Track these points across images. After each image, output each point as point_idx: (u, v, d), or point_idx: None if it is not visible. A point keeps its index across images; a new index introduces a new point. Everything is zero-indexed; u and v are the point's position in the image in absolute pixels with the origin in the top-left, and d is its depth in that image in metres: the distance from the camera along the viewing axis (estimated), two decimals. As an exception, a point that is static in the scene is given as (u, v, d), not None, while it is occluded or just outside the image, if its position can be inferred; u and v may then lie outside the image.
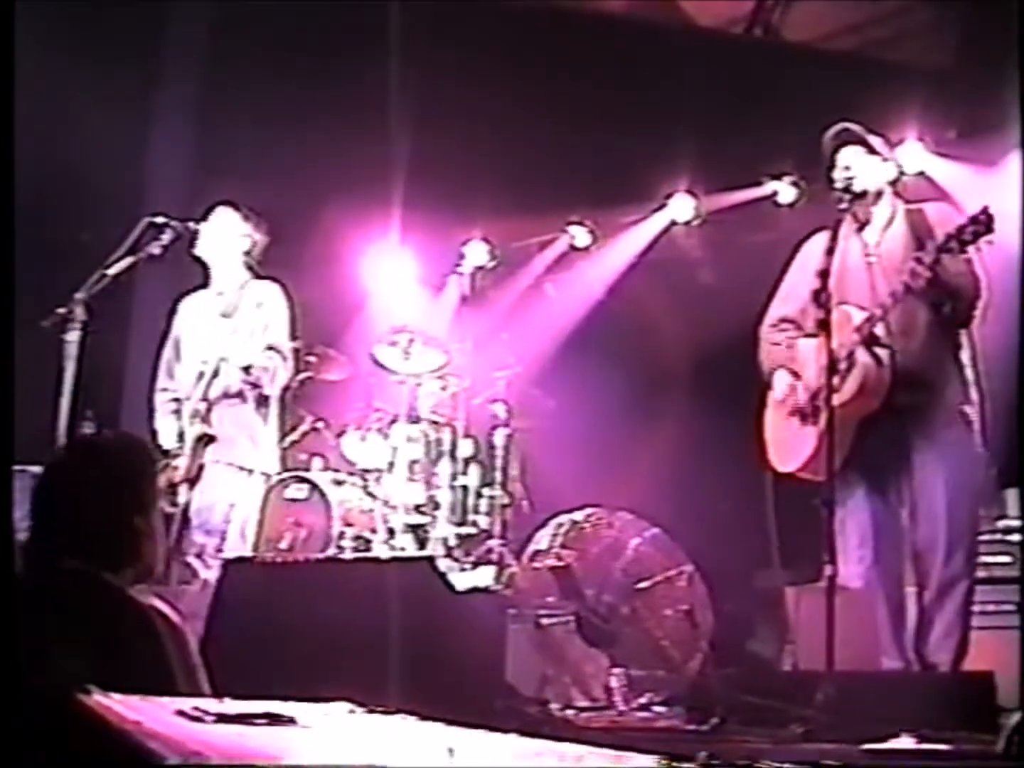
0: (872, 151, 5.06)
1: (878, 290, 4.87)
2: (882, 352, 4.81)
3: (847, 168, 4.91)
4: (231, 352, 5.78)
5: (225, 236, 6.08)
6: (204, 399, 5.76)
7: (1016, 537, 5.91)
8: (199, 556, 5.70)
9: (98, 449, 2.96)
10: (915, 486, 4.85)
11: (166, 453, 5.71)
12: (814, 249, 5.09)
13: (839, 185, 4.86)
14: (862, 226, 5.04)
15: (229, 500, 5.85)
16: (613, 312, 8.58)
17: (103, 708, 2.10)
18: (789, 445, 5.06)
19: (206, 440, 5.70)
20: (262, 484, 6.07)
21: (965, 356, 4.94)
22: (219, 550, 5.71)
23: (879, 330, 4.81)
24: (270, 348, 5.89)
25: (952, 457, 4.86)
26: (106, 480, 2.86)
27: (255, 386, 5.82)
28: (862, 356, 4.79)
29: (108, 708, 2.09)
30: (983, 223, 4.54)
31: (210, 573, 5.58)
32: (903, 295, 4.71)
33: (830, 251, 4.56)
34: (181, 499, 5.61)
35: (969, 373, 4.93)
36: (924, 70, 7.81)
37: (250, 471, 5.93)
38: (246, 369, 5.76)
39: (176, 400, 5.95)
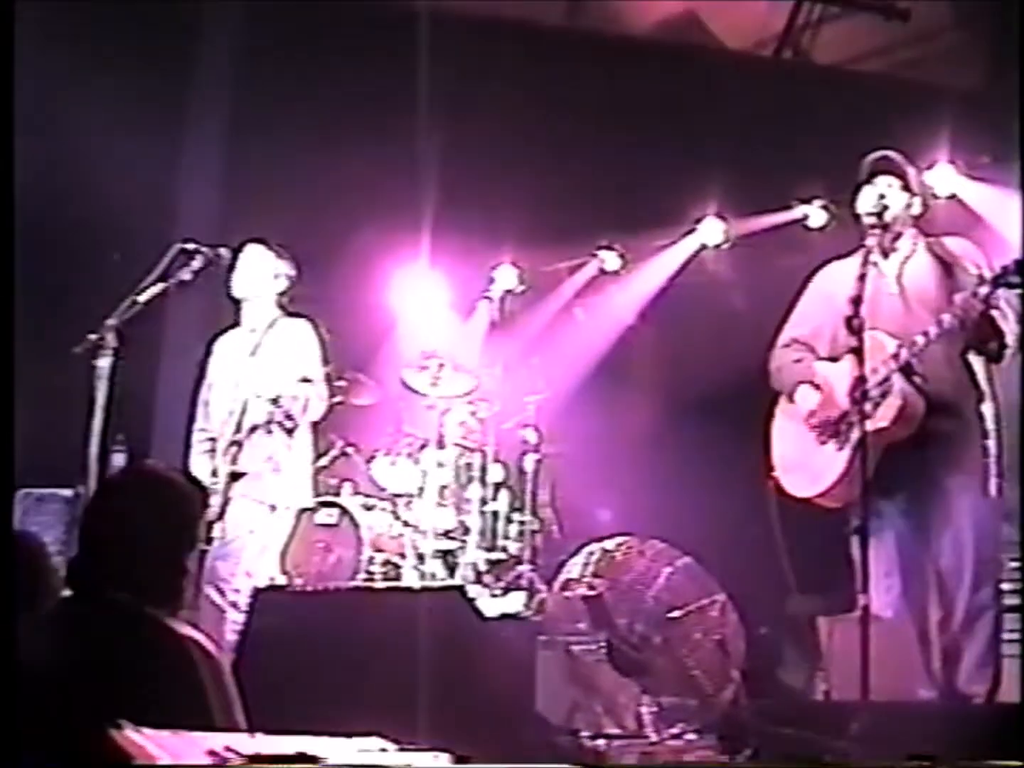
0: (906, 184, 5.04)
1: (909, 319, 4.85)
2: (918, 380, 4.79)
3: (881, 197, 4.89)
4: (260, 387, 5.77)
5: (259, 275, 6.06)
6: (235, 437, 5.75)
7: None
8: (212, 583, 5.68)
9: (162, 487, 2.94)
10: (941, 513, 4.81)
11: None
12: (832, 275, 5.12)
13: (872, 212, 4.86)
14: (885, 255, 5.02)
15: (248, 529, 5.81)
16: (643, 336, 8.57)
17: (133, 745, 2.09)
18: (812, 470, 5.02)
19: (234, 476, 5.70)
20: (288, 518, 6.02)
21: (986, 386, 4.92)
22: (232, 575, 5.68)
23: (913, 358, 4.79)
24: (303, 380, 5.87)
25: (978, 484, 4.83)
26: (169, 518, 2.87)
27: (288, 416, 5.80)
28: (899, 383, 4.76)
29: (137, 745, 2.09)
30: None
31: (223, 601, 5.58)
32: (949, 326, 4.68)
33: (862, 277, 4.53)
34: (215, 535, 5.61)
35: (990, 403, 4.91)
36: (955, 92, 7.78)
37: (273, 506, 5.89)
38: (275, 400, 5.74)
39: (211, 440, 5.96)
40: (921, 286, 4.95)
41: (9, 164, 3.73)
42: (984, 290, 4.61)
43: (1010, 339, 4.78)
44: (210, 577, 5.67)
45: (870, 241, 4.84)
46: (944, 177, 7.32)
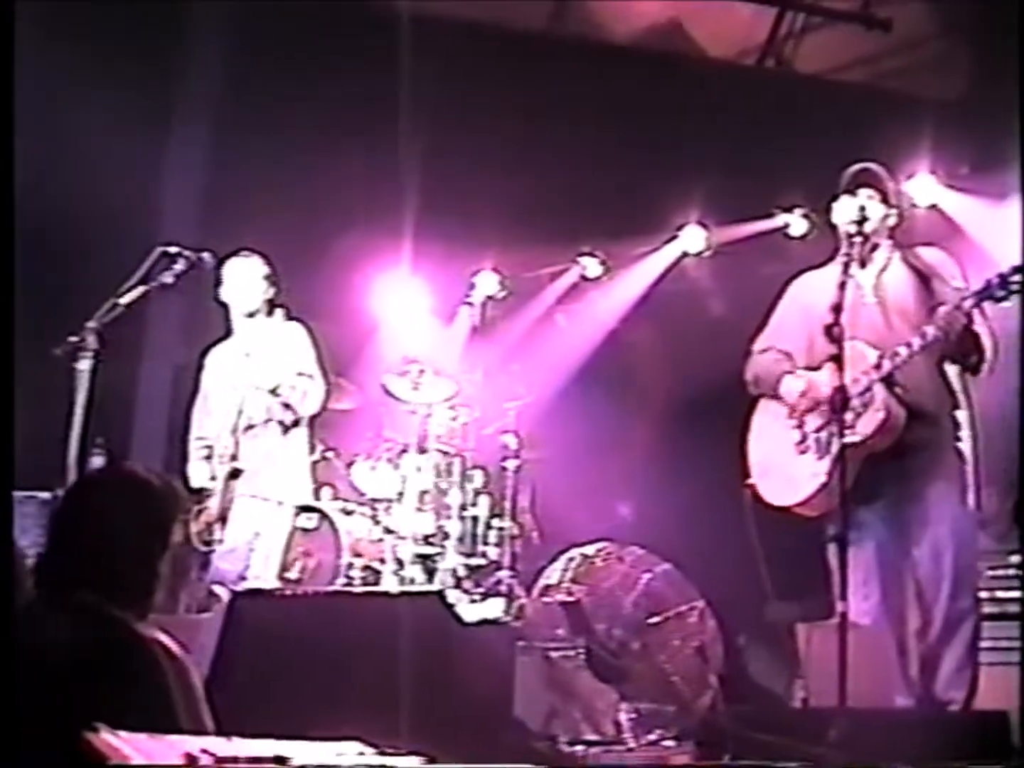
0: (885, 197, 5.05)
1: (887, 330, 4.87)
2: (899, 391, 4.81)
3: (862, 209, 4.90)
4: (258, 380, 5.79)
5: (250, 285, 6.07)
6: (234, 438, 5.76)
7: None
8: (222, 583, 5.67)
9: (138, 488, 2.88)
10: (919, 522, 4.83)
11: (199, 493, 5.72)
12: (808, 284, 5.14)
13: (852, 222, 4.86)
14: (862, 265, 5.04)
15: (254, 529, 5.85)
16: (624, 343, 8.57)
17: (108, 747, 2.09)
18: (792, 479, 5.02)
19: (234, 474, 5.70)
20: (290, 514, 6.05)
21: (962, 396, 4.94)
22: (242, 578, 5.70)
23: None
24: (300, 375, 5.89)
25: (956, 494, 4.85)
26: (143, 521, 2.82)
27: (287, 408, 5.80)
28: (882, 394, 4.77)
29: (114, 748, 2.08)
30: None
31: None
32: (933, 338, 4.69)
33: (842, 286, 4.54)
34: (216, 537, 5.62)
35: (965, 413, 4.93)
36: (936, 102, 7.80)
37: (278, 502, 5.92)
38: (273, 391, 5.75)
39: (209, 447, 5.97)
40: (899, 296, 4.97)
41: (9, 164, 3.72)
42: (969, 303, 4.63)
43: (989, 352, 4.80)
44: (218, 577, 5.67)
45: (850, 251, 4.85)
46: (924, 187, 7.35)
